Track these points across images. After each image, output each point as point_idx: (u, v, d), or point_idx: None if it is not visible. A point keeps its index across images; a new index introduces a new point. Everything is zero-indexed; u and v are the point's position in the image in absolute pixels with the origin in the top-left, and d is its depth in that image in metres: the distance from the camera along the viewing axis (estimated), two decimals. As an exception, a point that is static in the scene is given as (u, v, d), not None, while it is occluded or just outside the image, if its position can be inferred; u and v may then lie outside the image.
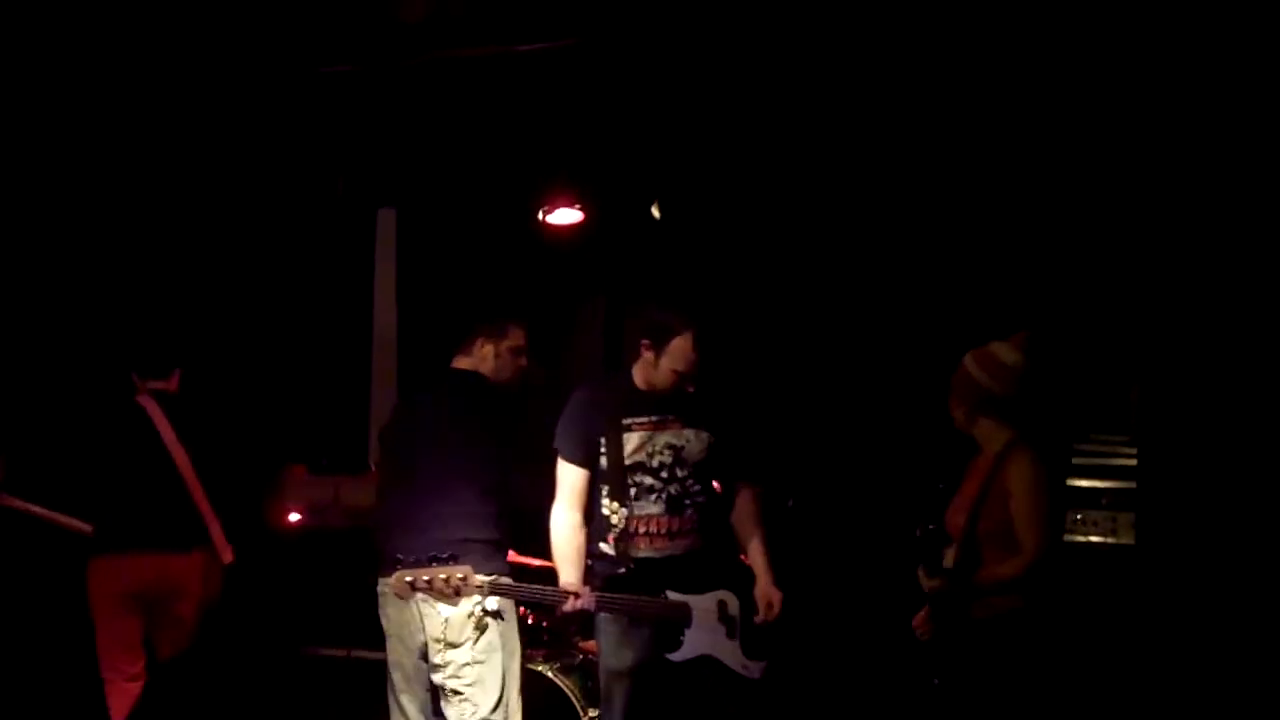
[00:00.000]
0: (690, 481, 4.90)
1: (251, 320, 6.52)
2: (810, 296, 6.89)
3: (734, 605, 4.88)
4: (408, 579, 4.49)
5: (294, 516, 6.46)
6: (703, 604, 4.84)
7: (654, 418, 4.90)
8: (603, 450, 4.87)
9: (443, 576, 4.49)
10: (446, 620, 4.80)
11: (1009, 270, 6.36)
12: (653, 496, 4.86)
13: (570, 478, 4.93)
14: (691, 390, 4.89)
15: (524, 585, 4.94)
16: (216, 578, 5.60)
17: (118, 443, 5.50)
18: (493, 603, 4.72)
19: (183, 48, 5.61)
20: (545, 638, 6.09)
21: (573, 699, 5.55)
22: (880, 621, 4.59)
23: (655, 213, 6.94)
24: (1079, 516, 5.71)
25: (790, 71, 5.69)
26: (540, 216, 6.88)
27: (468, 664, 4.85)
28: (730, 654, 4.84)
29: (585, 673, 5.73)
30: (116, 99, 5.86)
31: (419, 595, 4.57)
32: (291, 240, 6.94)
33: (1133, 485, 6.00)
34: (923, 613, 4.42)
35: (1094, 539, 5.96)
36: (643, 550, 4.85)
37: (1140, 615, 5.61)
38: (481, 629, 4.82)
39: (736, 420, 5.03)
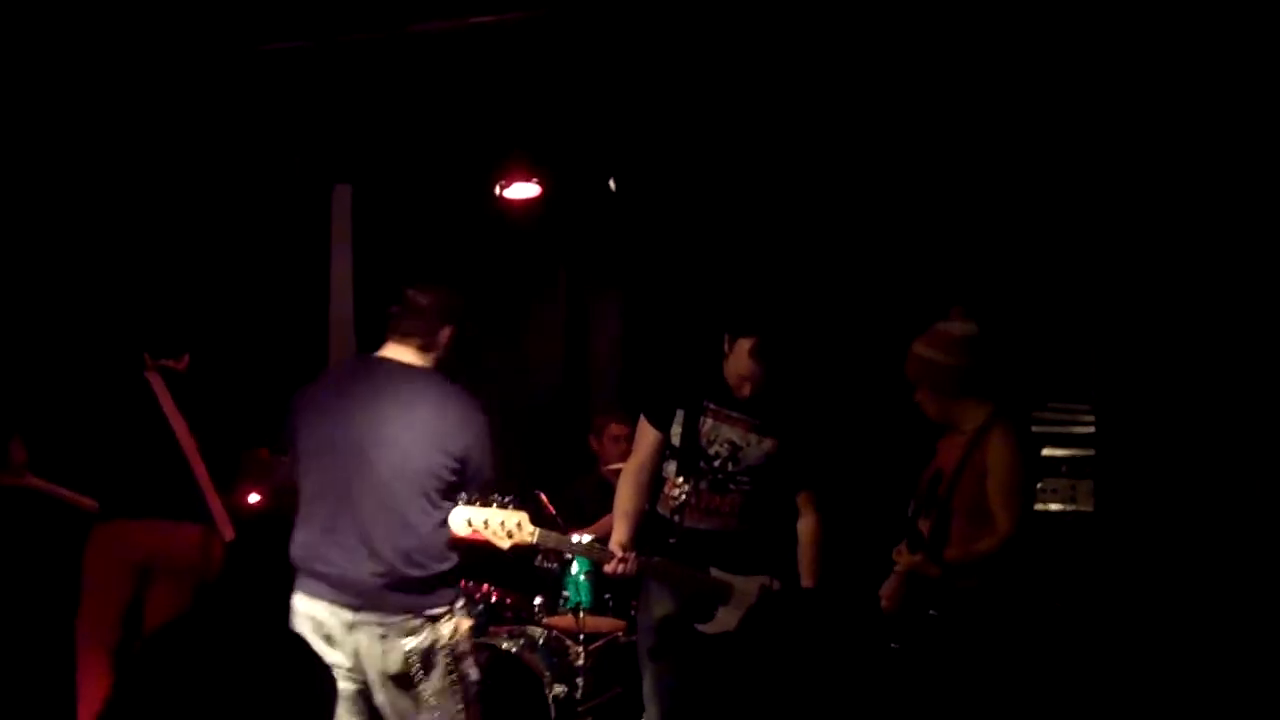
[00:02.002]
0: (742, 479, 4.99)
1: (206, 301, 6.45)
2: (754, 267, 6.90)
3: (776, 591, 4.99)
4: (467, 517, 4.36)
5: (254, 498, 6.41)
6: (745, 585, 4.95)
7: (730, 411, 5.01)
8: (678, 423, 5.00)
9: (500, 520, 4.45)
10: (407, 652, 4.20)
11: (953, 243, 6.39)
12: (701, 477, 4.97)
13: (650, 439, 5.06)
14: (749, 393, 4.97)
15: (569, 538, 5.11)
16: (217, 554, 5.59)
17: (124, 415, 5.54)
18: (463, 625, 4.43)
19: (135, 26, 5.53)
20: (508, 615, 6.09)
21: (538, 675, 5.54)
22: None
23: (612, 186, 6.92)
24: (1039, 485, 5.75)
25: (744, 43, 5.67)
26: (498, 191, 6.85)
27: (428, 700, 4.24)
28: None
29: (550, 649, 5.73)
30: (74, 79, 5.79)
31: (380, 630, 4.14)
32: (246, 218, 6.87)
33: (1091, 452, 6.05)
34: (891, 584, 4.43)
35: (1053, 506, 6.02)
36: (688, 523, 4.97)
37: (1100, 582, 5.66)
38: (443, 665, 4.25)
39: (806, 433, 5.07)
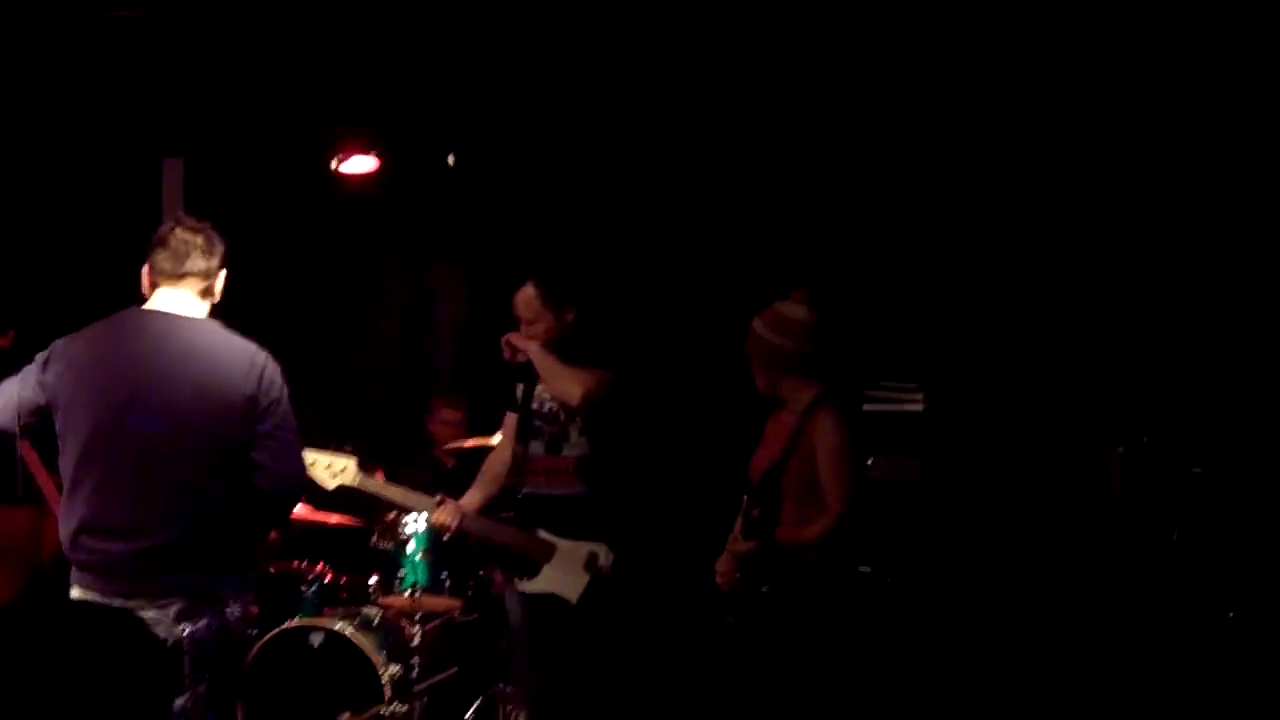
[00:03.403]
0: (569, 429, 5.03)
1: (30, 275, 6.25)
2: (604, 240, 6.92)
3: (606, 560, 5.01)
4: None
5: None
6: (572, 549, 5.02)
7: None
8: (519, 396, 5.14)
9: (327, 462, 4.93)
10: (188, 635, 3.69)
11: (786, 225, 6.47)
12: (538, 439, 5.08)
13: (508, 420, 5.22)
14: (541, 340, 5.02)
15: (398, 487, 5.30)
16: (50, 536, 5.41)
17: None
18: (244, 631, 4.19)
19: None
20: (344, 595, 6.03)
21: (371, 657, 5.49)
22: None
23: (451, 161, 6.87)
24: (869, 461, 5.85)
25: (581, 12, 5.67)
26: (334, 165, 6.75)
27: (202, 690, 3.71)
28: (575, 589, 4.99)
29: (385, 630, 5.68)
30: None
31: (153, 614, 3.65)
32: (73, 192, 6.67)
33: (919, 430, 6.18)
34: (727, 562, 4.47)
35: (883, 481, 6.12)
36: (528, 487, 5.09)
37: (928, 555, 5.79)
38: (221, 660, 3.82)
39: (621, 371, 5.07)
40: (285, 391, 3.90)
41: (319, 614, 5.75)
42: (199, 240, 3.92)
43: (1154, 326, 5.81)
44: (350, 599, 5.96)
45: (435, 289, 7.80)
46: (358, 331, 7.65)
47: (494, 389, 5.43)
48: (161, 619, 3.64)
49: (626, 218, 6.83)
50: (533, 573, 5.04)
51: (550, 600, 5.03)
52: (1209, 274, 5.70)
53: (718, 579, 4.50)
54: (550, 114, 6.52)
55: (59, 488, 4.05)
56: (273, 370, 3.88)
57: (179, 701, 3.55)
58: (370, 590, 5.94)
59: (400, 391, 7.65)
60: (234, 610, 3.82)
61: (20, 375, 3.93)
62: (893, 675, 5.01)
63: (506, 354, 5.07)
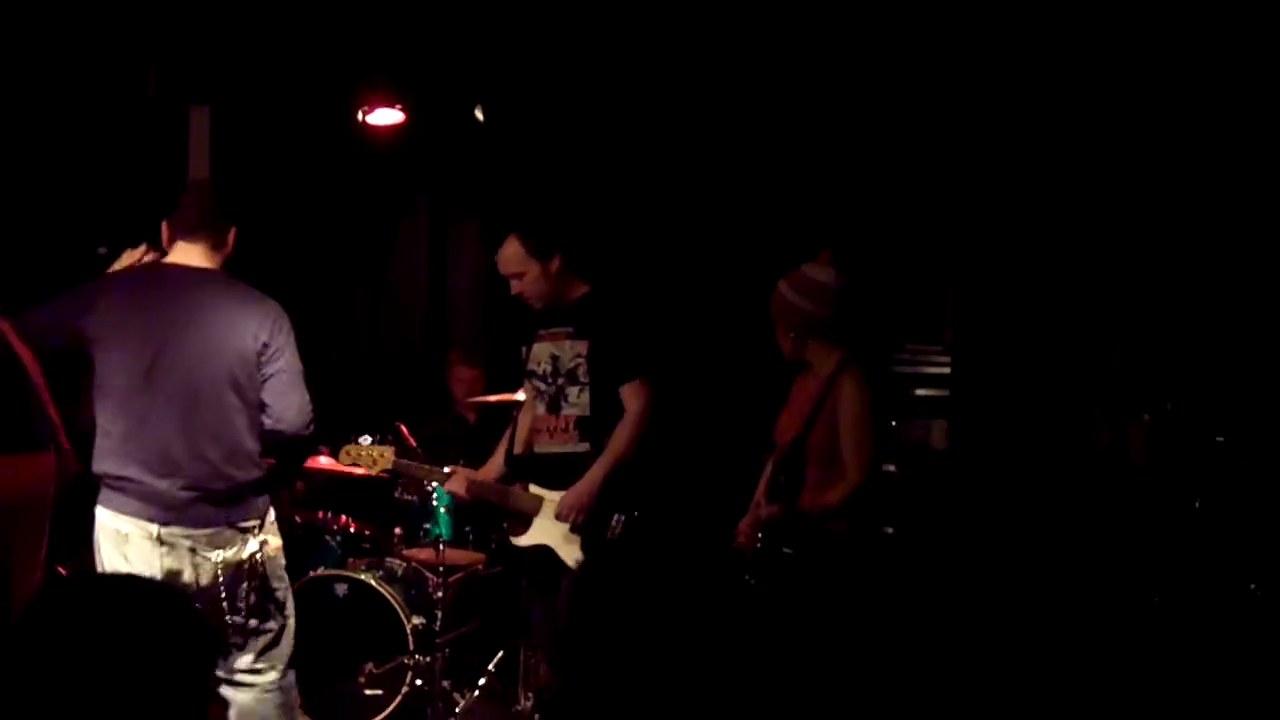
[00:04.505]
0: (567, 388, 4.97)
1: (55, 224, 6.25)
2: (624, 199, 6.90)
3: (617, 526, 4.91)
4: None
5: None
6: (555, 499, 4.96)
7: (552, 329, 5.03)
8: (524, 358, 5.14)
9: (365, 452, 5.14)
10: (218, 566, 4.12)
11: (809, 184, 6.45)
12: (541, 400, 5.04)
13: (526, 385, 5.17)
14: (527, 298, 4.96)
15: (416, 464, 5.32)
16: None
17: None
18: (273, 542, 4.33)
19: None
20: (367, 546, 6.07)
21: (396, 607, 5.54)
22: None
23: (479, 115, 6.84)
24: (894, 424, 5.86)
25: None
26: (360, 117, 6.74)
27: (246, 622, 4.20)
28: (568, 552, 4.90)
29: (409, 581, 5.72)
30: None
31: (188, 543, 4.05)
32: (99, 139, 6.66)
33: (946, 393, 6.19)
34: (747, 522, 4.50)
35: (907, 444, 6.15)
36: (538, 448, 5.08)
37: (953, 518, 5.81)
38: (252, 580, 4.19)
39: (610, 327, 4.93)
40: (291, 337, 4.24)
41: (343, 565, 5.80)
42: (211, 201, 4.31)
43: (1180, 294, 5.80)
44: (374, 550, 5.99)
45: (454, 244, 7.80)
46: (376, 284, 7.65)
47: (513, 346, 5.40)
48: (198, 546, 4.06)
49: (652, 179, 6.82)
50: (525, 526, 5.03)
51: (542, 551, 5.00)
52: (1236, 243, 5.68)
53: (738, 540, 4.52)
54: (575, 74, 6.51)
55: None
56: (280, 317, 4.23)
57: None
58: (394, 542, 5.99)
59: (415, 346, 7.67)
60: (263, 539, 4.20)
61: (61, 302, 4.21)
62: (910, 641, 5.03)
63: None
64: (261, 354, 4.14)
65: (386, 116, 6.75)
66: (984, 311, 6.18)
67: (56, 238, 6.19)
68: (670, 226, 6.77)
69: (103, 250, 4.61)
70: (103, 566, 4.12)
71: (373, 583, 5.58)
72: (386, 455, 5.22)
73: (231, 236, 4.28)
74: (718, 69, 6.22)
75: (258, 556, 4.17)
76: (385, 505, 6.09)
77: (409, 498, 6.02)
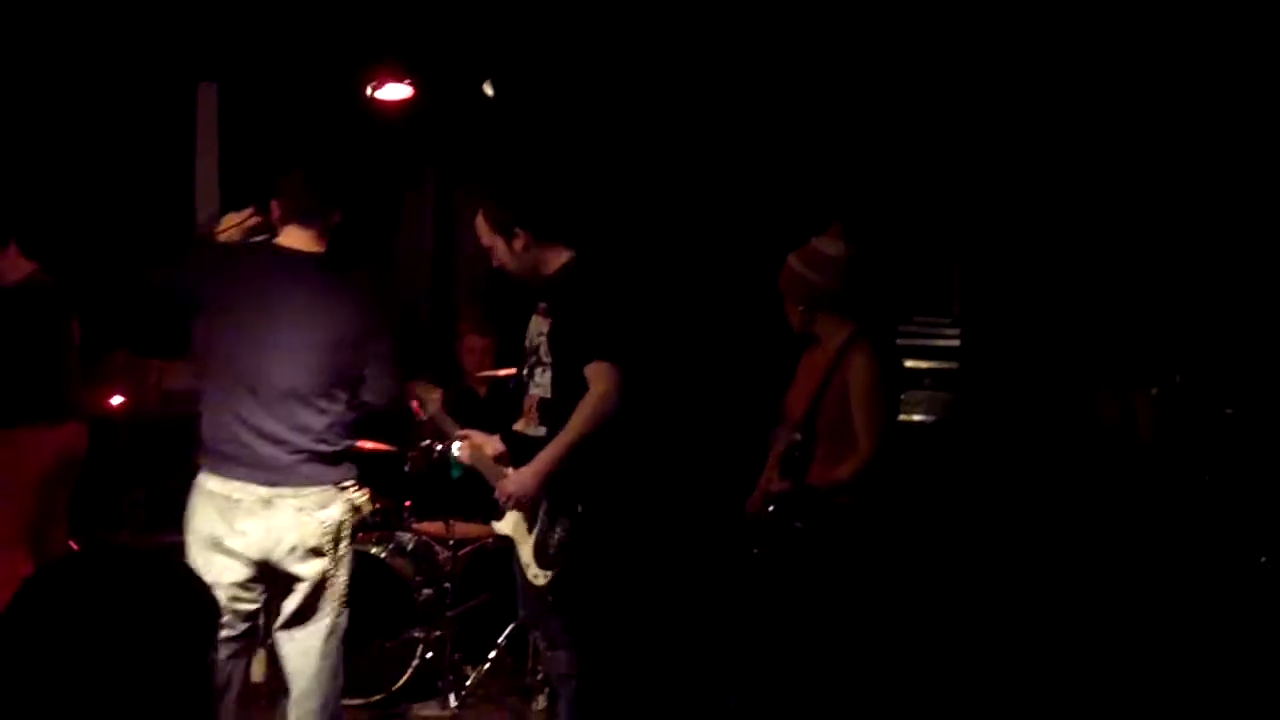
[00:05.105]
0: (535, 368, 4.80)
1: (67, 198, 6.27)
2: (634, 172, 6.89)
3: (561, 535, 4.53)
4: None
5: (116, 400, 6.31)
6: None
7: (540, 305, 4.81)
8: None
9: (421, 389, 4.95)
10: (323, 523, 4.31)
11: (818, 160, 6.43)
12: (529, 380, 4.87)
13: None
14: (504, 268, 4.66)
15: (449, 419, 5.05)
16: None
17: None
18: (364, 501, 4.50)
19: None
20: (377, 519, 6.08)
21: (406, 581, 5.56)
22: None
23: (488, 90, 6.83)
24: (901, 397, 5.86)
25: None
26: (369, 92, 6.73)
27: (334, 571, 4.40)
28: (524, 544, 4.61)
29: (418, 555, 5.74)
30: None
31: (296, 503, 4.26)
32: (108, 115, 6.67)
33: (954, 365, 6.18)
34: (758, 499, 4.49)
35: (916, 418, 6.14)
36: (514, 428, 4.92)
37: (960, 492, 5.81)
38: (350, 534, 4.46)
39: (572, 304, 4.56)
40: (388, 320, 4.53)
41: (354, 539, 5.81)
42: (324, 187, 4.47)
43: (1189, 267, 5.79)
44: (384, 524, 6.01)
45: (461, 218, 7.80)
46: (383, 258, 7.65)
47: (520, 320, 5.30)
48: (305, 505, 4.29)
49: (660, 156, 6.81)
50: (504, 512, 4.68)
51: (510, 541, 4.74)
52: (1244, 216, 5.67)
53: (749, 512, 4.52)
54: (584, 49, 6.49)
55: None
56: (381, 302, 4.57)
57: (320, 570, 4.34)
58: (405, 515, 6.00)
59: (419, 316, 7.67)
60: (356, 498, 4.44)
61: (185, 263, 4.45)
62: (915, 613, 5.04)
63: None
64: (364, 334, 4.39)
65: (395, 92, 6.74)
66: (992, 285, 6.17)
67: (65, 214, 6.21)
68: (679, 203, 6.76)
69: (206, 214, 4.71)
70: (199, 534, 4.30)
71: (383, 556, 5.60)
72: (436, 399, 5.05)
73: (335, 220, 4.46)
74: (726, 44, 6.21)
75: (352, 515, 4.43)
76: (395, 478, 6.10)
77: (418, 471, 6.03)
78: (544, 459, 4.44)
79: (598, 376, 4.36)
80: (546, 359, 4.70)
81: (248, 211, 4.50)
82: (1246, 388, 5.48)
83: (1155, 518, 5.43)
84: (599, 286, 4.54)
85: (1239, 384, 5.50)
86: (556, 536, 4.48)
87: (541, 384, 4.74)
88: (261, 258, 4.45)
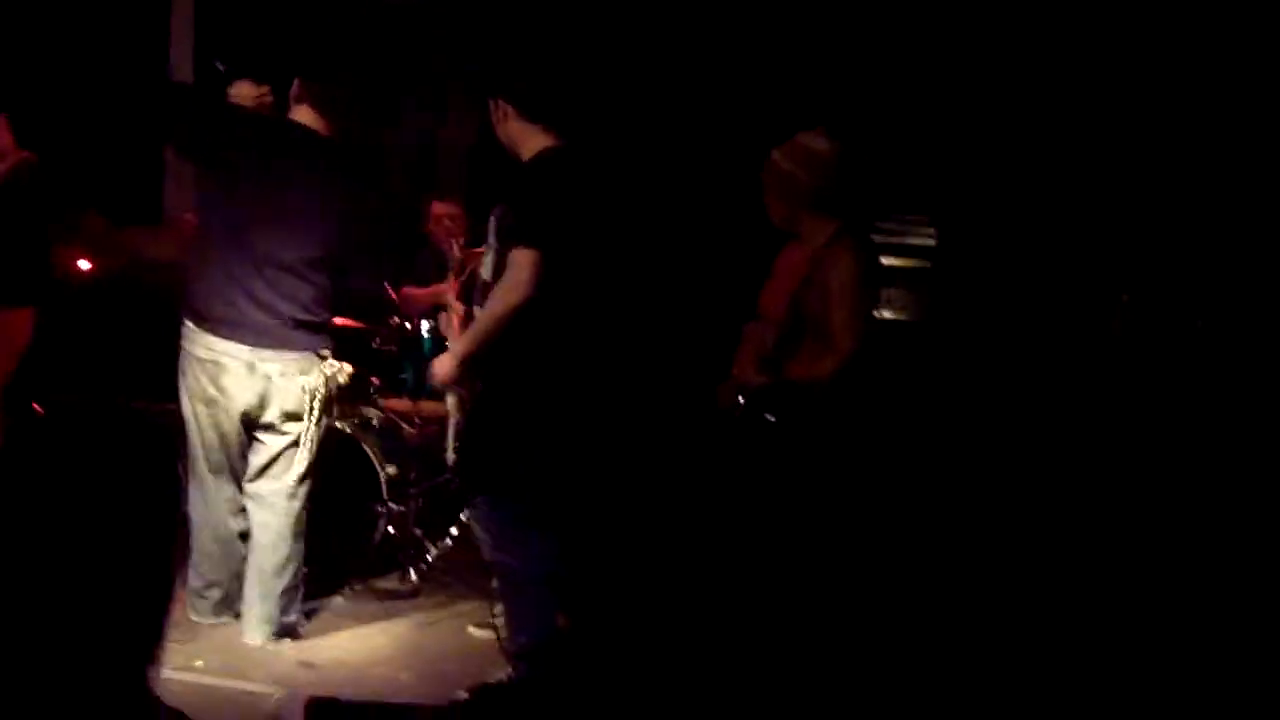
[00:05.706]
0: (490, 252, 4.62)
1: (39, 102, 6.15)
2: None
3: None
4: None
5: (84, 265, 6.25)
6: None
7: None
8: None
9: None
10: (303, 388, 4.61)
11: (798, 57, 6.37)
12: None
13: None
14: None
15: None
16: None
17: None
18: (346, 368, 4.75)
19: None
20: (344, 394, 6.06)
21: (371, 456, 5.56)
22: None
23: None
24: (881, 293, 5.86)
25: None
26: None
27: (307, 434, 4.67)
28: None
29: (384, 433, 5.73)
30: None
31: (279, 367, 4.55)
32: (82, 20, 6.53)
33: (929, 265, 6.18)
34: (730, 391, 4.43)
35: (888, 315, 6.14)
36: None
37: (931, 391, 5.82)
38: (322, 405, 4.68)
39: (514, 189, 4.48)
40: (381, 207, 4.83)
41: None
42: (344, 74, 4.75)
43: (1168, 180, 5.78)
44: (352, 397, 5.97)
45: (450, 114, 7.71)
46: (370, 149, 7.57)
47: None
48: (287, 370, 4.54)
49: (648, 55, 6.71)
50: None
51: None
52: (1220, 136, 5.65)
53: (719, 404, 4.50)
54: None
55: None
56: (378, 189, 4.97)
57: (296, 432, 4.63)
58: (371, 391, 5.98)
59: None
60: (334, 366, 4.67)
61: (205, 123, 4.58)
62: (884, 512, 5.05)
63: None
64: (355, 215, 4.62)
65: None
66: (970, 186, 6.15)
67: (42, 116, 6.10)
68: (664, 100, 6.68)
69: (221, 68, 4.90)
70: (189, 397, 4.56)
71: (349, 431, 5.59)
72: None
73: (356, 114, 4.76)
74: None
75: (334, 382, 4.66)
76: (363, 354, 6.06)
77: (387, 347, 6.01)
78: (461, 342, 4.46)
79: (514, 262, 4.26)
80: (494, 243, 4.57)
81: (264, 89, 4.68)
82: (1219, 301, 5.49)
83: (1127, 415, 5.44)
84: (546, 175, 4.41)
85: (1211, 297, 5.52)
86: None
87: (486, 267, 4.61)
88: (272, 128, 4.64)
